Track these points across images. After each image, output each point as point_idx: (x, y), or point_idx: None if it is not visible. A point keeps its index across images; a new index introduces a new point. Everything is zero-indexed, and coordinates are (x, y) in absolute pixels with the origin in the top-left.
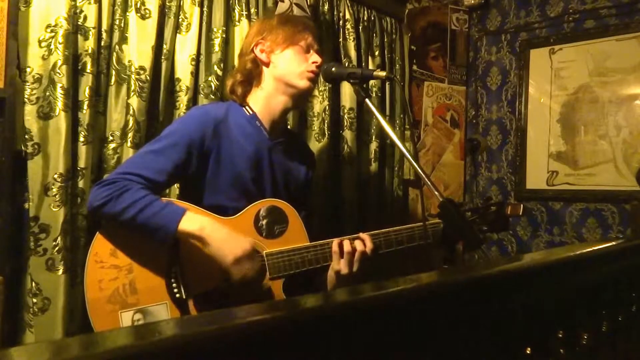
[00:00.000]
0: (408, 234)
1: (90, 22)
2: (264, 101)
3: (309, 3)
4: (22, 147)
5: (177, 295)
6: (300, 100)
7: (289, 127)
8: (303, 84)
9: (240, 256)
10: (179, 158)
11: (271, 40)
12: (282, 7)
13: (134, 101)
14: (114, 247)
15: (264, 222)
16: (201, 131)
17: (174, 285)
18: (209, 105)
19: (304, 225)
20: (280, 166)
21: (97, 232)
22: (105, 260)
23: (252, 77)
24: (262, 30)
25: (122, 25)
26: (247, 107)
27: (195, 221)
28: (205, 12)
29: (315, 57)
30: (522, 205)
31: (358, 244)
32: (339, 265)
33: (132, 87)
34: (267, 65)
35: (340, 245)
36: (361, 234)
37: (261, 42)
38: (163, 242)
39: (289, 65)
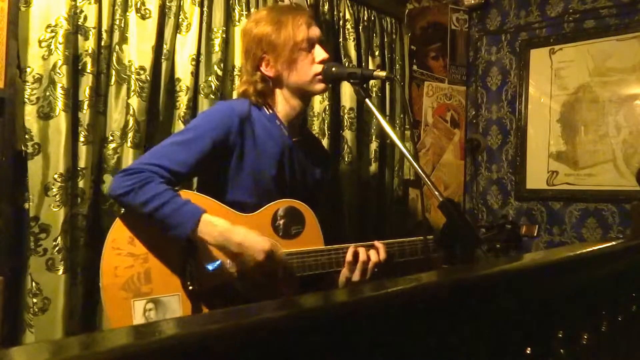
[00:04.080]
0: (422, 245)
1: (91, 22)
2: (281, 104)
3: (309, 3)
4: (22, 147)
5: (191, 287)
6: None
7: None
8: (317, 87)
9: (267, 249)
10: (203, 151)
11: (274, 56)
12: None
13: (134, 101)
14: (132, 235)
15: (281, 222)
16: (226, 126)
17: (188, 277)
18: (234, 100)
19: (320, 229)
20: (300, 165)
21: (117, 218)
22: (122, 247)
23: (264, 93)
24: (262, 42)
25: (122, 25)
26: (266, 107)
27: (211, 226)
28: (205, 12)
29: (320, 55)
30: (537, 226)
31: (372, 254)
32: (351, 273)
33: (132, 87)
34: (278, 80)
35: (355, 254)
36: (376, 243)
37: (265, 58)
38: (178, 239)
39: (300, 77)
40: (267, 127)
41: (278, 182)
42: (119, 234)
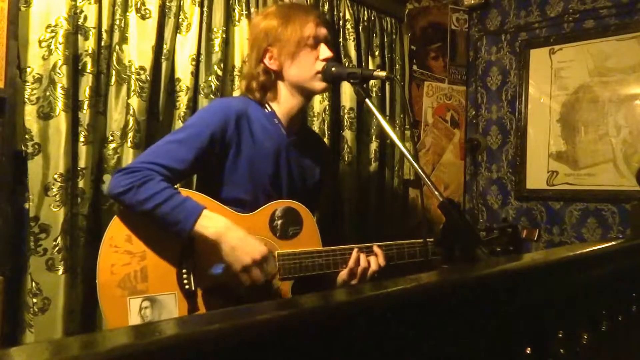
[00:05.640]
0: (421, 248)
1: (91, 22)
2: (282, 102)
3: (308, 3)
4: (22, 147)
5: (187, 286)
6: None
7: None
8: (319, 85)
9: (257, 259)
10: (201, 148)
11: (279, 48)
12: None
13: (134, 101)
14: (130, 232)
15: (279, 222)
16: (223, 122)
17: (185, 276)
18: (231, 98)
19: (318, 230)
20: (297, 163)
21: (115, 216)
22: (120, 245)
23: (266, 86)
24: (268, 35)
25: (122, 25)
26: (265, 104)
27: (211, 221)
28: (205, 12)
29: (324, 53)
30: (537, 230)
31: (373, 261)
32: (350, 278)
33: (132, 87)
34: (280, 74)
35: (357, 260)
36: (375, 248)
37: (269, 50)
38: (178, 236)
39: (301, 72)
40: (265, 125)
41: (275, 180)
42: (116, 232)
